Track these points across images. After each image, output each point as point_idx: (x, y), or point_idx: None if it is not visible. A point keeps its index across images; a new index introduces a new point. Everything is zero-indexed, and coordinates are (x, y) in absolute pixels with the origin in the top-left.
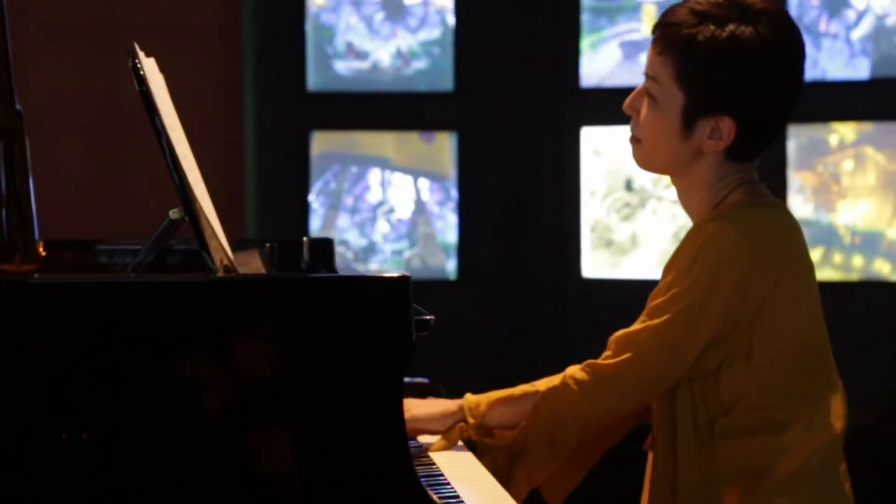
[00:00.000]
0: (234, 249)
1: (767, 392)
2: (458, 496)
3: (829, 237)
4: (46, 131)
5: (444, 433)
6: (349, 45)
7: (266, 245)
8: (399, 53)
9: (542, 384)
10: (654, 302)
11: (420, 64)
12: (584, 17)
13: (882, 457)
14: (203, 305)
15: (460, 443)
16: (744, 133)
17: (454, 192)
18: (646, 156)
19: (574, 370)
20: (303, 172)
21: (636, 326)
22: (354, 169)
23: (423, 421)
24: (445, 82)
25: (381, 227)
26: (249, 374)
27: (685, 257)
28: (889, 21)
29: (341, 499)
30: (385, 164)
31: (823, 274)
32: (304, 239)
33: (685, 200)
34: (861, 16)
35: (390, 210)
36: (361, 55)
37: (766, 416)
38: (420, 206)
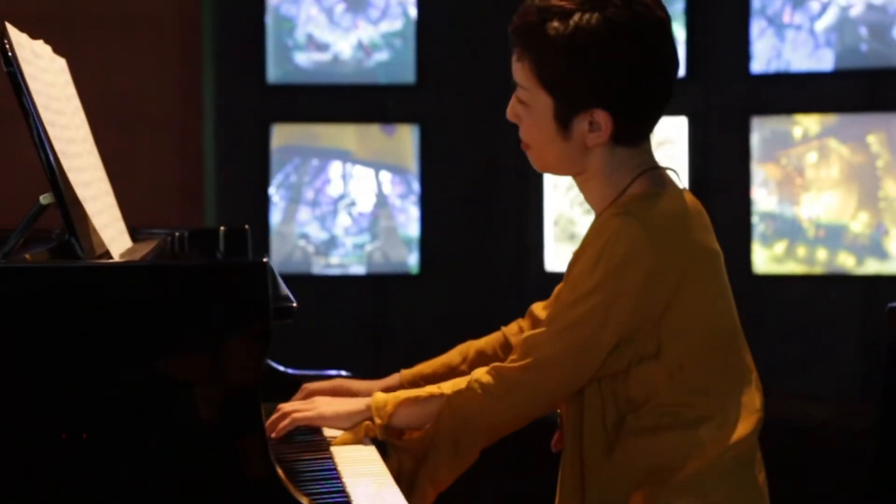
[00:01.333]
0: (138, 238)
1: (679, 389)
2: (342, 491)
3: (793, 230)
4: (2, 125)
5: (352, 431)
6: (309, 37)
7: (175, 234)
8: (360, 45)
9: (449, 386)
10: (558, 303)
11: (381, 56)
12: None
13: (844, 449)
14: (51, 290)
15: (366, 438)
16: (622, 120)
17: (416, 186)
18: (538, 160)
19: (480, 373)
20: (263, 165)
21: (541, 329)
22: (315, 162)
23: (330, 419)
24: (407, 75)
25: (343, 220)
26: (101, 361)
27: (588, 255)
28: (853, 12)
29: (196, 488)
30: (346, 157)
31: (787, 267)
32: (221, 228)
33: (587, 195)
34: (825, 7)
35: (351, 203)
36: (322, 47)
37: (678, 414)
38: (382, 200)
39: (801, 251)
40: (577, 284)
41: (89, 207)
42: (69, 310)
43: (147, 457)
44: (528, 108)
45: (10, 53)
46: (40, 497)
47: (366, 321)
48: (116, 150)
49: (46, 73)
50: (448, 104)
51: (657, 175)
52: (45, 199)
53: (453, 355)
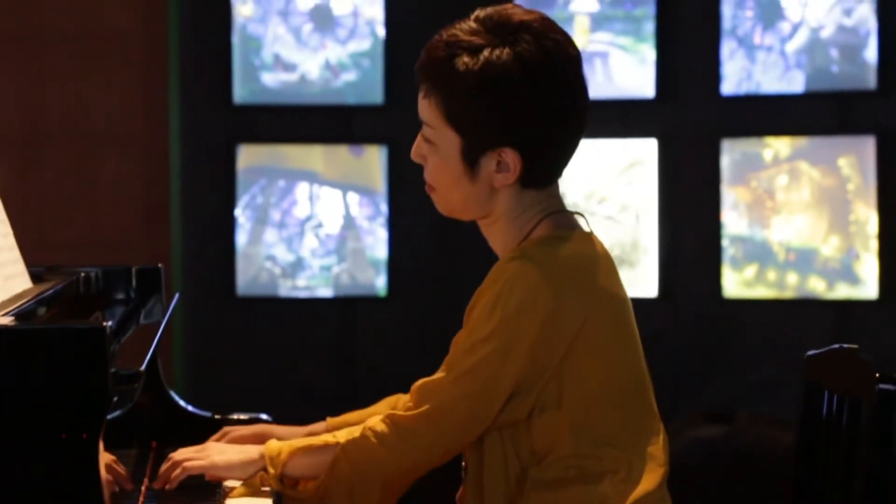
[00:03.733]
0: (44, 277)
1: (582, 440)
2: None
3: (764, 254)
4: None
5: (247, 481)
6: (276, 57)
7: (89, 274)
8: (328, 65)
9: (343, 435)
10: (454, 349)
11: (349, 76)
12: None
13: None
14: None
15: (265, 488)
16: (530, 161)
17: (384, 207)
18: (443, 202)
19: (374, 421)
20: (229, 186)
21: (437, 375)
22: (282, 183)
23: (223, 469)
24: (375, 95)
25: (310, 242)
26: None
27: (485, 300)
28: (824, 34)
29: None
30: (313, 178)
31: (757, 291)
32: (133, 268)
33: (492, 240)
34: (796, 28)
35: (318, 225)
36: (289, 67)
37: (582, 466)
38: (349, 221)
39: (772, 275)
40: (473, 330)
41: None
42: None
43: None
44: (434, 146)
45: None
46: None
47: (333, 344)
48: (81, 167)
49: None
50: (417, 125)
51: (563, 218)
52: None
53: (381, 406)
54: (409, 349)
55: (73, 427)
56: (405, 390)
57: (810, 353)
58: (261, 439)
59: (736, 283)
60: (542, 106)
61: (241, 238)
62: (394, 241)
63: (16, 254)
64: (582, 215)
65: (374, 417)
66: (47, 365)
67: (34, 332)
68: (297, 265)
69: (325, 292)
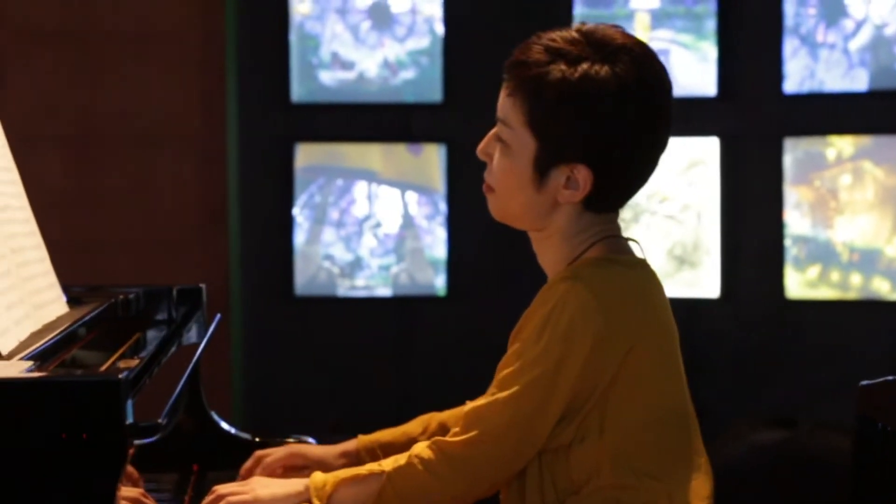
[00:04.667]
0: (83, 299)
1: (621, 471)
2: None
3: (827, 254)
4: (23, 140)
5: None
6: (334, 55)
7: (128, 295)
8: (386, 63)
9: (389, 463)
10: (502, 372)
11: (408, 74)
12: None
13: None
14: None
15: None
16: (602, 183)
17: (443, 206)
18: (499, 206)
19: (421, 448)
20: (287, 185)
21: (484, 400)
22: (340, 182)
23: (267, 502)
24: (434, 93)
25: (368, 241)
26: None
27: (534, 322)
28: (888, 31)
29: None
30: (371, 176)
31: (820, 292)
32: (174, 288)
33: (541, 254)
34: (859, 26)
35: (377, 224)
36: (347, 65)
37: (620, 498)
38: (408, 220)
39: (835, 276)
40: (522, 352)
41: None
42: None
43: None
44: (506, 147)
45: None
46: None
47: (392, 344)
48: (139, 167)
49: None
50: (476, 123)
51: (618, 243)
52: None
53: (414, 425)
54: (467, 349)
55: (89, 480)
56: (464, 389)
57: (864, 383)
58: (294, 459)
59: (799, 283)
60: (628, 130)
61: (300, 237)
62: (453, 240)
63: (51, 279)
64: (636, 241)
65: (421, 444)
66: (61, 417)
67: (45, 385)
68: (356, 265)
69: (384, 292)
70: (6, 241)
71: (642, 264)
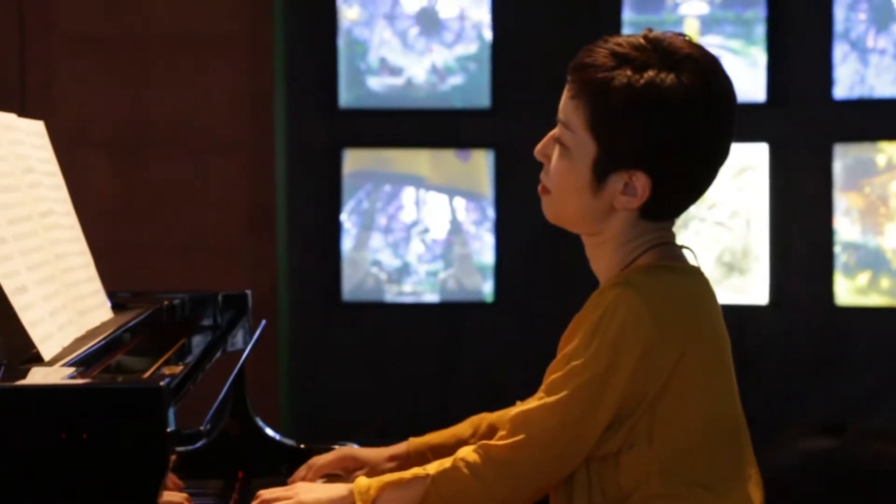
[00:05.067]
0: (129, 305)
1: (671, 480)
2: None
3: (877, 261)
4: (71, 146)
5: None
6: (383, 61)
7: (173, 301)
8: (434, 69)
9: (434, 467)
10: (551, 376)
11: (456, 80)
12: (624, 32)
13: None
14: None
15: None
16: (660, 191)
17: (491, 212)
18: (555, 209)
19: (466, 452)
20: (334, 191)
21: (532, 403)
22: (388, 187)
23: None
24: (482, 99)
25: (416, 247)
26: None
27: (585, 328)
28: None
29: None
30: (419, 182)
31: (870, 299)
32: (219, 294)
33: (594, 259)
34: None
35: (425, 230)
36: (395, 71)
37: None
38: (456, 226)
39: (885, 283)
40: (571, 357)
41: (22, 300)
42: None
43: None
44: (566, 150)
45: None
46: None
47: (439, 350)
48: (187, 172)
49: None
50: (524, 129)
51: (670, 250)
52: None
53: (464, 427)
54: (515, 355)
55: (130, 487)
56: (511, 397)
57: None
58: (345, 462)
59: (848, 290)
60: (690, 140)
61: (347, 243)
62: (500, 246)
63: (96, 284)
64: (690, 249)
65: (467, 448)
66: (102, 424)
67: (86, 392)
68: (403, 271)
69: (432, 298)
70: (51, 246)
71: (695, 272)
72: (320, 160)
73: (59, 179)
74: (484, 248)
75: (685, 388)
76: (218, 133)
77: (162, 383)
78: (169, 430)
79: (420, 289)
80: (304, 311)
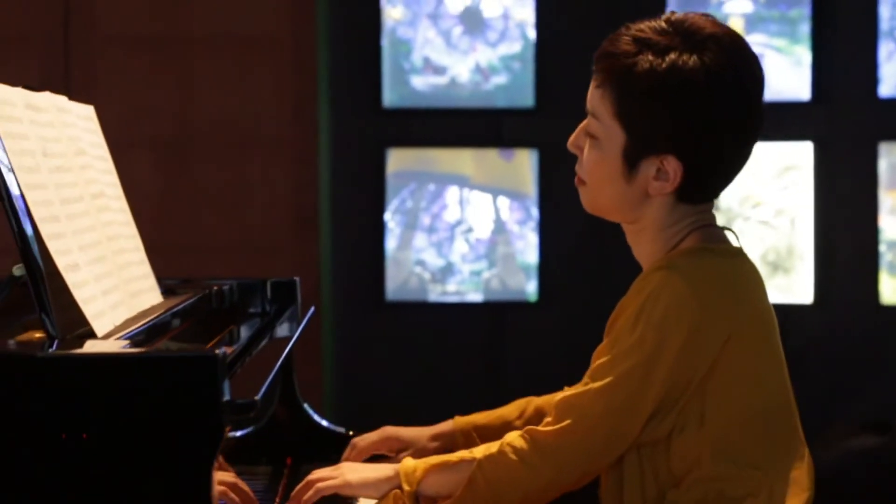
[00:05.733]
0: (177, 290)
1: (722, 462)
2: None
3: None
4: (116, 145)
5: (381, 501)
6: (426, 60)
7: (222, 287)
8: (478, 68)
9: (480, 451)
10: (597, 362)
11: (499, 79)
12: None
13: None
14: None
15: None
16: (692, 174)
17: (535, 211)
18: (591, 199)
19: (513, 437)
20: (378, 190)
21: (578, 389)
22: (432, 187)
23: (358, 487)
24: (526, 98)
25: (460, 246)
26: (38, 452)
27: (629, 312)
28: None
29: None
30: (463, 181)
31: None
32: (268, 281)
33: (636, 247)
34: None
35: (468, 229)
36: (439, 70)
37: (721, 489)
38: (499, 226)
39: None
40: (616, 342)
41: (75, 277)
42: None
43: None
44: (596, 140)
45: None
46: None
47: (482, 349)
48: (230, 172)
49: (45, 128)
50: (567, 128)
51: (712, 232)
52: (17, 269)
53: (511, 409)
54: (559, 355)
55: (185, 458)
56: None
57: None
58: (389, 443)
59: (893, 289)
60: (718, 120)
61: (391, 243)
62: (544, 245)
63: (146, 268)
64: (732, 231)
65: (513, 433)
66: (158, 394)
67: (143, 360)
68: (447, 270)
69: (475, 297)
70: (102, 228)
71: (739, 253)
72: (364, 160)
73: (109, 164)
74: (528, 247)
75: (733, 370)
76: (262, 133)
77: (218, 352)
78: (224, 399)
79: (464, 288)
80: (348, 310)
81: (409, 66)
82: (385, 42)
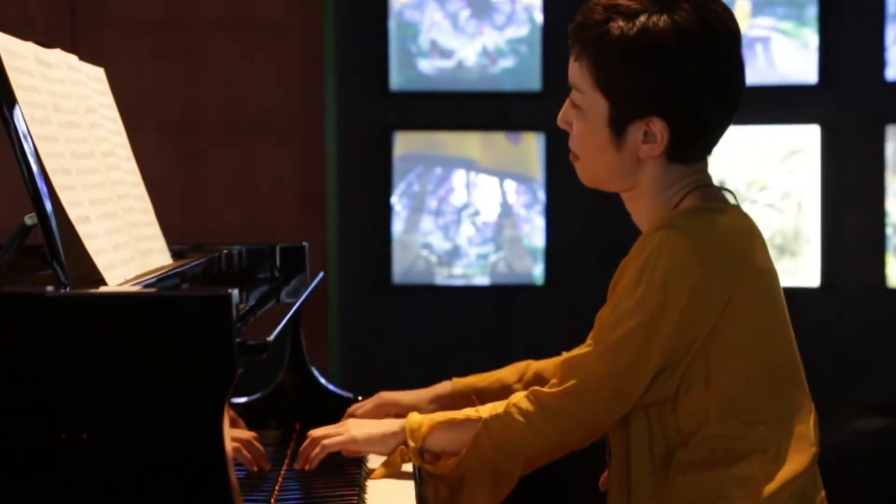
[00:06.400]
0: (186, 254)
1: (729, 419)
2: None
3: None
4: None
5: (388, 456)
6: (433, 44)
7: (231, 251)
8: (485, 52)
9: (486, 410)
10: (599, 323)
11: (507, 63)
12: None
13: None
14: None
15: (407, 467)
16: (679, 132)
17: (541, 195)
18: (586, 172)
19: (518, 398)
20: (385, 174)
21: (582, 350)
22: (438, 170)
23: (363, 443)
24: (533, 82)
25: (466, 230)
26: (54, 390)
27: (631, 272)
28: None
29: None
30: (470, 165)
31: None
32: (277, 246)
33: (635, 214)
34: None
35: (475, 213)
36: (446, 53)
37: (728, 447)
38: (506, 209)
39: None
40: (619, 303)
41: (86, 229)
42: (20, 338)
43: (98, 491)
44: (582, 112)
45: None
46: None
47: (489, 332)
48: (237, 156)
49: (56, 84)
50: None
51: (710, 192)
52: (29, 219)
53: (510, 372)
54: (565, 338)
55: (197, 398)
56: None
57: None
58: (385, 409)
59: None
60: (696, 77)
61: (398, 226)
62: (551, 229)
63: (156, 230)
64: (730, 191)
65: (518, 394)
66: (172, 333)
67: (158, 299)
68: (454, 253)
69: (482, 281)
70: (112, 186)
71: (737, 211)
72: (371, 143)
73: (119, 126)
74: (534, 230)
75: (738, 328)
76: (269, 117)
77: (231, 290)
78: (237, 340)
79: (470, 272)
80: (355, 293)
81: (416, 50)
82: (392, 25)
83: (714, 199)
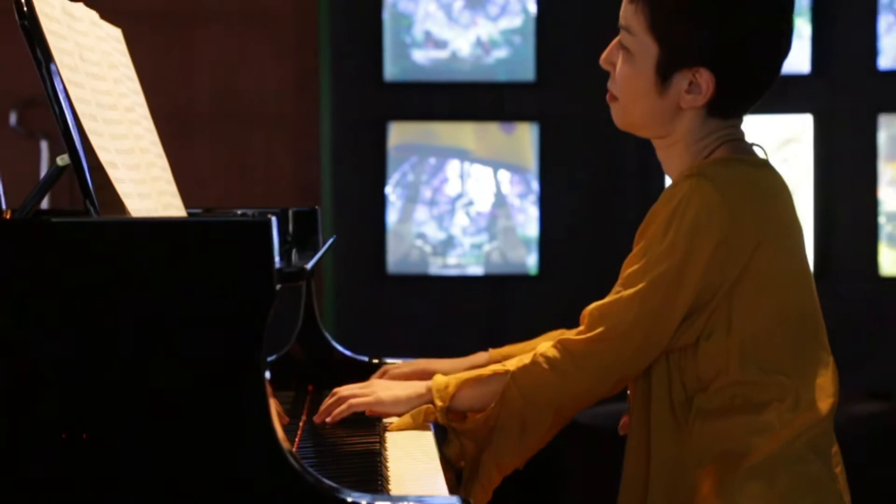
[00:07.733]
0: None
1: (749, 367)
2: (382, 475)
3: None
4: None
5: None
6: (427, 34)
7: (238, 213)
8: (479, 42)
9: (514, 363)
10: (627, 270)
11: (500, 53)
12: None
13: None
14: (44, 246)
15: (430, 423)
16: (724, 87)
17: (535, 185)
18: (623, 115)
19: (545, 347)
20: (379, 164)
21: (609, 298)
22: (433, 160)
23: (390, 405)
24: (526, 72)
25: (460, 220)
26: (93, 321)
27: (659, 220)
28: None
29: (191, 458)
30: (464, 155)
31: None
32: (290, 209)
33: (666, 161)
34: None
35: (469, 203)
36: (440, 44)
37: (748, 394)
38: (500, 199)
39: None
40: (647, 250)
41: (115, 174)
42: (65, 265)
43: (139, 421)
44: (629, 55)
45: (24, 7)
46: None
47: (483, 322)
48: (232, 146)
49: (81, 35)
50: (568, 102)
51: (741, 145)
52: (61, 160)
53: (543, 340)
54: (558, 327)
55: (238, 322)
56: None
57: None
58: (422, 376)
59: (893, 261)
60: (749, 32)
61: (392, 216)
62: (545, 219)
63: (174, 188)
64: (761, 147)
65: (545, 344)
66: (215, 258)
67: (199, 225)
68: (448, 243)
69: (476, 270)
70: (136, 140)
71: (767, 164)
72: (365, 133)
73: (137, 85)
74: (528, 220)
75: (762, 277)
76: (264, 107)
77: (270, 216)
78: (276, 266)
79: (464, 261)
80: (349, 283)
81: (410, 40)
82: (386, 16)
83: (745, 152)
